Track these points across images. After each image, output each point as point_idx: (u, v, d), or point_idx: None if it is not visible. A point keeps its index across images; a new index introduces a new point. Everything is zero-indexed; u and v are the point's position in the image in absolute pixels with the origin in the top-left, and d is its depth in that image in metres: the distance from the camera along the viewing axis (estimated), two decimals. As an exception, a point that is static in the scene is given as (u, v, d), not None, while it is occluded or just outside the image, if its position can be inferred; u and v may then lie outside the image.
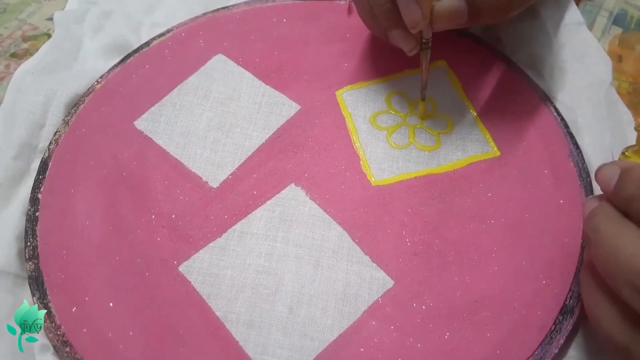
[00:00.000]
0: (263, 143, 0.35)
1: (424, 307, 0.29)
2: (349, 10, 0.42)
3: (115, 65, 0.38)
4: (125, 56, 0.39)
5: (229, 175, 0.34)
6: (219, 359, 0.28)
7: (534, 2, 0.36)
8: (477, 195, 0.33)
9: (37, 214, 0.32)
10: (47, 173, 0.33)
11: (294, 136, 0.35)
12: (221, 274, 0.30)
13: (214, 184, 0.33)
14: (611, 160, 0.32)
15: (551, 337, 0.28)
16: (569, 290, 0.30)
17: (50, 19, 0.43)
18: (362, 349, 0.28)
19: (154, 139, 0.35)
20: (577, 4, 0.42)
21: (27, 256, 0.30)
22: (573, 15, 0.41)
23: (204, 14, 0.41)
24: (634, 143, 0.32)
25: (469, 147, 0.35)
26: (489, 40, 0.41)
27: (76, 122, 0.35)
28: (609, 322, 0.24)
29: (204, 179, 0.33)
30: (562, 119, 0.37)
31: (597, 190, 0.30)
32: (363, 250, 0.31)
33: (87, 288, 0.29)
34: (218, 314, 0.29)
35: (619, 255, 0.22)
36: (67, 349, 0.28)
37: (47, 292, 0.29)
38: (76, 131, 0.35)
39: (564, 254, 0.31)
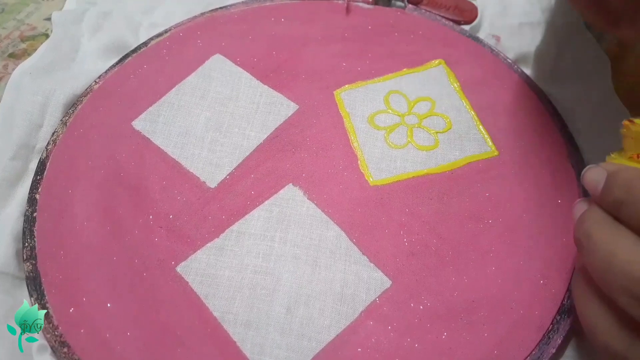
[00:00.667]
0: (261, 143, 0.35)
1: (421, 307, 0.29)
2: (348, 10, 0.42)
3: (113, 66, 0.38)
4: (123, 56, 0.39)
5: (227, 175, 0.34)
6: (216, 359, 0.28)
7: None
8: (475, 195, 0.33)
9: (34, 214, 0.32)
10: (45, 173, 0.33)
11: (292, 136, 0.35)
12: (219, 274, 0.30)
13: (212, 184, 0.33)
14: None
15: (549, 337, 0.28)
16: (567, 290, 0.30)
17: (49, 19, 0.43)
18: (359, 349, 0.28)
19: (151, 139, 0.35)
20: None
21: (24, 257, 0.30)
22: (572, 14, 0.41)
23: (202, 13, 0.41)
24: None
25: (467, 147, 0.35)
26: (488, 40, 0.41)
27: (74, 123, 0.35)
28: (605, 331, 0.23)
29: (202, 179, 0.33)
30: (561, 118, 0.37)
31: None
32: (361, 250, 0.31)
33: (84, 288, 0.29)
34: (216, 314, 0.29)
35: (614, 262, 0.22)
36: (65, 350, 0.28)
37: (45, 292, 0.29)
38: (74, 131, 0.35)
39: (561, 253, 0.31)
